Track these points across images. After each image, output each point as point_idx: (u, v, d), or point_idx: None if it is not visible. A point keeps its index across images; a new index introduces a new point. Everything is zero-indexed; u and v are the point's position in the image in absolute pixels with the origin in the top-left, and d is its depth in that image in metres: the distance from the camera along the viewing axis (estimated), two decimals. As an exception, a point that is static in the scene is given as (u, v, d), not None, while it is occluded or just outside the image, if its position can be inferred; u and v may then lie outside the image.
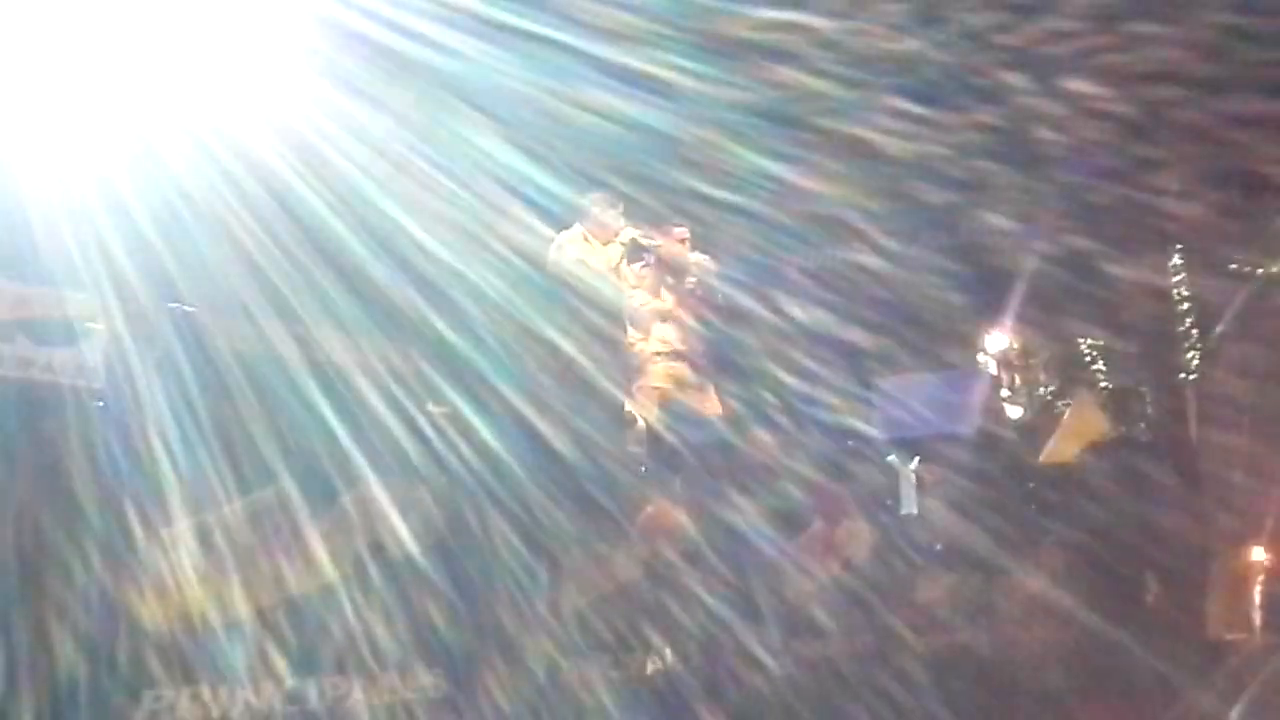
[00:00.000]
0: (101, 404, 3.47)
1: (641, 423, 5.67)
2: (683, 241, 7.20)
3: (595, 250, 6.79)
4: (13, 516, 3.07)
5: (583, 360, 4.71)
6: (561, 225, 6.89)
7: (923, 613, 6.43)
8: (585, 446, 4.13)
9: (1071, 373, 12.48)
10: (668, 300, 7.06)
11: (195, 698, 3.28)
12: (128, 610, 3.23)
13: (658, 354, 6.98)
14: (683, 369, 7.03)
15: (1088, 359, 12.20)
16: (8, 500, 3.08)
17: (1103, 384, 11.28)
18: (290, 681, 3.50)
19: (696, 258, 7.15)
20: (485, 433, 4.36)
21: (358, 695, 3.65)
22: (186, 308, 3.77)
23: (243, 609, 3.44)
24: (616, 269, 6.85)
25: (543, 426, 3.98)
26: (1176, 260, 9.83)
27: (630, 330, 6.84)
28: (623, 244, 6.81)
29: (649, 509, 4.84)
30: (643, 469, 5.37)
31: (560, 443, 4.04)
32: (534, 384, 3.99)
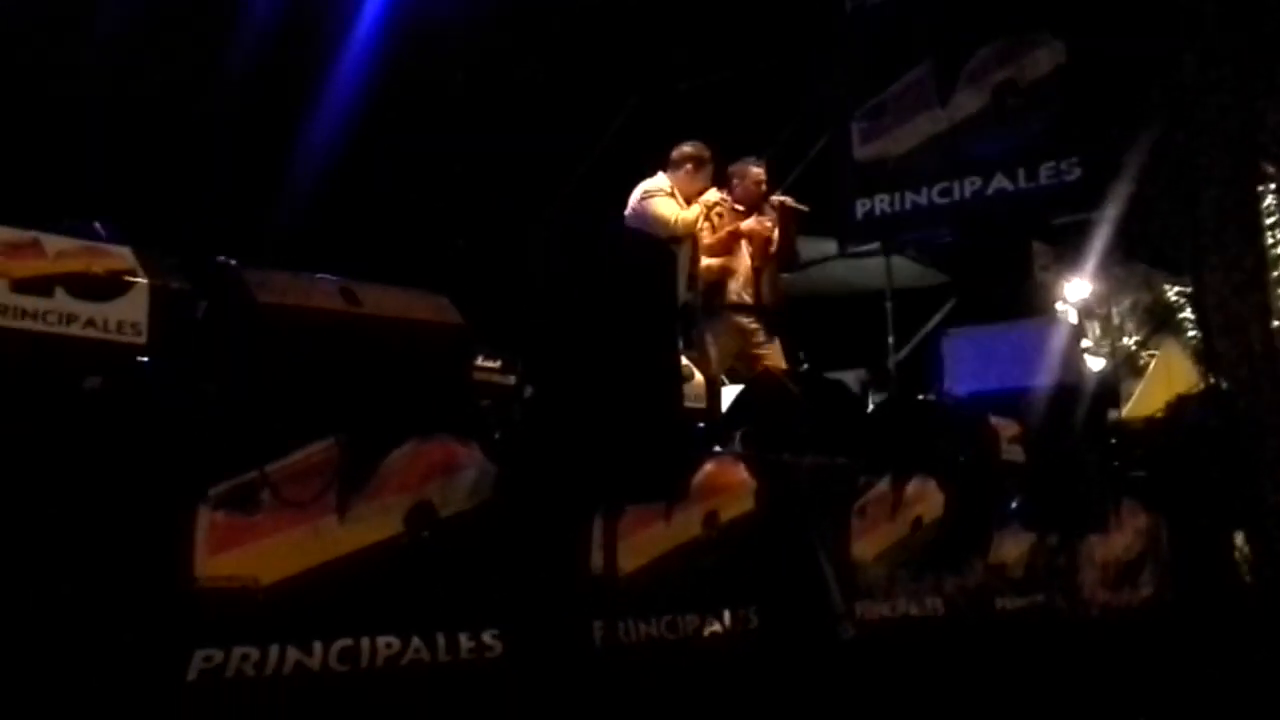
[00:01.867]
0: (146, 360, 3.56)
1: (700, 378, 5.73)
2: (760, 183, 7.22)
3: (681, 206, 6.81)
4: (54, 475, 3.17)
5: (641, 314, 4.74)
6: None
7: (997, 573, 6.44)
8: (641, 402, 4.18)
9: (1157, 321, 12.38)
10: (740, 253, 7.10)
11: (245, 658, 3.38)
12: (173, 568, 3.33)
13: (725, 306, 7.04)
14: (750, 322, 7.08)
15: (1175, 305, 12.09)
16: (49, 459, 3.18)
17: (1191, 332, 11.18)
18: (343, 640, 3.61)
19: (776, 199, 7.19)
20: (536, 388, 4.43)
21: (412, 655, 3.75)
22: (231, 261, 3.85)
23: (293, 567, 3.54)
24: (693, 224, 6.87)
25: (598, 381, 4.03)
26: (1270, 200, 9.69)
27: (696, 282, 6.89)
28: (706, 204, 6.83)
29: (708, 466, 4.89)
30: (701, 425, 5.43)
31: (615, 399, 4.09)
32: (589, 338, 4.04)
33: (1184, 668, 6.73)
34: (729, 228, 7.08)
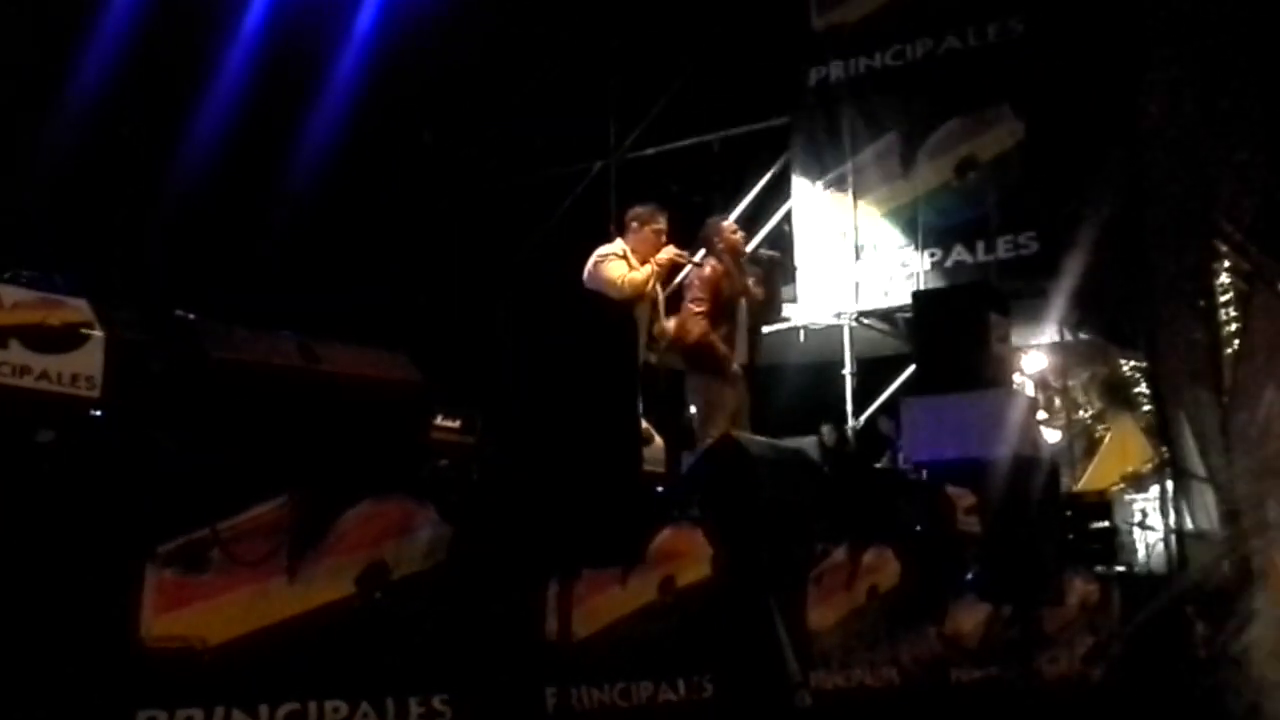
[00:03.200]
0: (99, 414, 3.52)
1: (659, 441, 5.71)
2: (735, 232, 7.29)
3: (631, 267, 6.81)
4: (3, 529, 3.11)
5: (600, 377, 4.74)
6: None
7: (953, 644, 6.43)
8: (599, 465, 4.16)
9: (1113, 395, 12.49)
10: (739, 315, 7.12)
11: (189, 720, 3.32)
12: (124, 628, 3.27)
13: (730, 368, 7.04)
14: (744, 383, 7.11)
15: (1130, 380, 12.21)
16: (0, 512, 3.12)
17: (1145, 407, 11.27)
18: (290, 704, 3.54)
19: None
20: (494, 449, 4.40)
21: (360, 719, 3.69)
22: (189, 315, 3.82)
23: (240, 628, 3.48)
24: (653, 285, 6.88)
25: (556, 444, 4.01)
26: (1224, 278, 9.81)
27: (656, 345, 6.89)
28: (659, 264, 6.85)
29: (666, 531, 4.86)
30: (659, 490, 5.41)
31: (573, 461, 4.07)
32: (548, 400, 4.03)
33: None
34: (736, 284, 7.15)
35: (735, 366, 7.08)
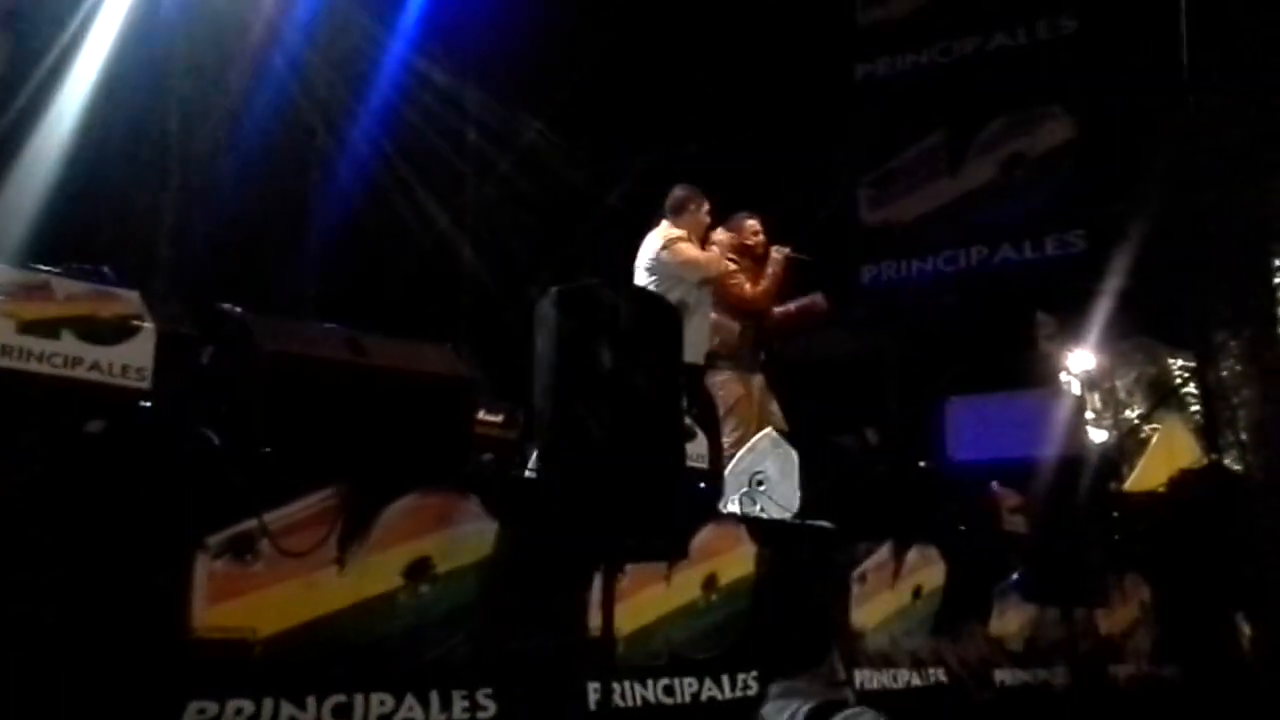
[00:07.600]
0: (149, 405, 3.55)
1: (702, 435, 5.70)
2: (757, 234, 7.27)
3: (696, 247, 6.80)
4: (55, 519, 3.14)
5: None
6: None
7: (997, 646, 6.38)
8: (643, 460, 4.15)
9: (1160, 395, 12.36)
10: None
11: (240, 711, 3.34)
12: (170, 617, 3.29)
13: (751, 361, 7.03)
14: (764, 380, 7.08)
15: (1179, 380, 12.08)
16: (51, 502, 3.15)
17: (1194, 408, 11.13)
18: (336, 697, 3.56)
19: (778, 251, 7.21)
20: (537, 441, 4.40)
21: (405, 714, 3.70)
22: (237, 308, 3.85)
23: (290, 619, 3.50)
24: (718, 262, 6.86)
25: (600, 439, 4.01)
26: (1278, 279, 9.68)
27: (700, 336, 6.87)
28: (716, 242, 6.83)
29: (709, 528, 4.85)
30: (701, 485, 5.40)
31: (616, 456, 4.07)
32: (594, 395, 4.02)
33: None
34: (799, 302, 7.15)
35: (754, 362, 7.05)
